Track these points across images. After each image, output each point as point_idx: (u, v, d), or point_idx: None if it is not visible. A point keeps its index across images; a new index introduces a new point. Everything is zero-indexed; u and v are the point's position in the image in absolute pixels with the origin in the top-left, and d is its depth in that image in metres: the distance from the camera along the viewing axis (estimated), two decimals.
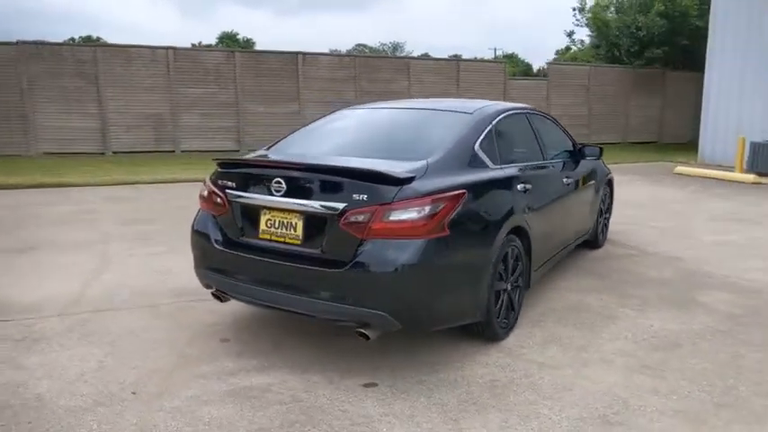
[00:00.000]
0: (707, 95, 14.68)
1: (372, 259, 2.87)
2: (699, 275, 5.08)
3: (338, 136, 3.94)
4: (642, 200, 9.27)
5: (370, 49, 43.78)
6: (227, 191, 3.36)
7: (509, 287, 3.59)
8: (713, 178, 11.99)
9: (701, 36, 19.27)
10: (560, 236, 4.61)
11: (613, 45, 20.96)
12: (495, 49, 36.33)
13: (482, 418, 2.75)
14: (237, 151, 15.44)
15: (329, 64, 17.02)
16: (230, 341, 3.61)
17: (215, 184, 3.46)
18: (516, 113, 4.35)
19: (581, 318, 4.05)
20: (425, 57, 18.43)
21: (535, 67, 43.91)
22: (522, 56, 52.40)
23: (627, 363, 3.35)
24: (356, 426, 2.67)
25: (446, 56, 16.83)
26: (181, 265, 5.08)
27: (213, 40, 48.56)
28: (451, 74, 18.11)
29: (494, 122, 3.84)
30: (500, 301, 3.50)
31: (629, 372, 3.24)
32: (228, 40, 47.58)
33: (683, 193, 10.15)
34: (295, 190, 3.07)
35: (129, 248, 5.91)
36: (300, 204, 3.06)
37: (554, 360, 3.39)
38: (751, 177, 11.37)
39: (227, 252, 3.34)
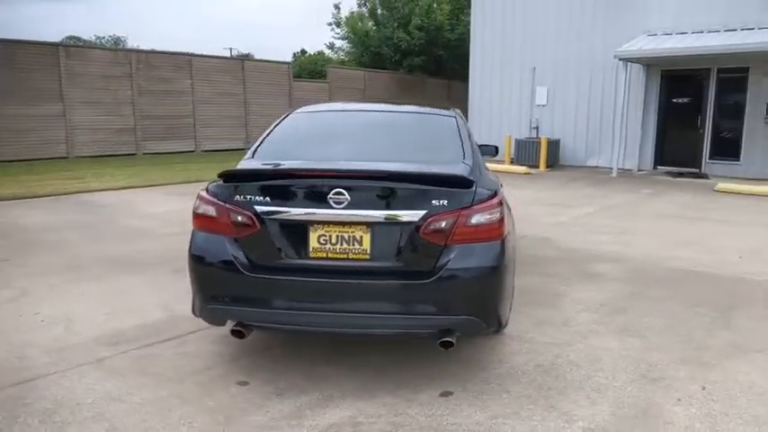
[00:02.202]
0: (472, 102, 16.99)
1: (460, 265, 2.82)
2: (575, 252, 6.05)
3: (337, 141, 3.63)
4: None
5: (84, 41, 38.89)
6: (257, 207, 2.88)
7: None
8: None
9: (452, 47, 22.25)
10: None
11: (375, 54, 22.73)
12: (231, 49, 35.80)
13: (567, 398, 2.96)
14: None
15: (101, 59, 14.83)
16: (249, 383, 3.11)
17: (230, 199, 2.93)
18: None
19: (539, 298, 4.53)
20: (209, 55, 17.32)
21: None
22: (257, 56, 52.57)
23: (608, 329, 3.91)
24: None
25: (182, 50, 15.99)
26: (66, 308, 4.20)
27: None
28: (237, 73, 17.46)
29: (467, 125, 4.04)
30: None
31: (617, 336, 3.79)
32: None
33: None
34: (360, 200, 2.82)
35: None
36: (369, 216, 2.82)
37: (558, 337, 3.76)
38: (522, 169, 13.65)
39: (263, 279, 2.87)
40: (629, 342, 3.70)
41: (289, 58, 30.20)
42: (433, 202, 2.82)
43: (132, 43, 39.55)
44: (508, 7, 15.62)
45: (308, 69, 27.04)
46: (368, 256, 2.85)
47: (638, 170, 13.41)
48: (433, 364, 3.33)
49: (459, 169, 3.07)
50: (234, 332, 2.98)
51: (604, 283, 4.99)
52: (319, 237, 2.87)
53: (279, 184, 2.92)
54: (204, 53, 17.17)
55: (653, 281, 5.05)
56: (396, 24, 21.95)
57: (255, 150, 3.51)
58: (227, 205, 2.93)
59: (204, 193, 3.08)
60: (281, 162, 3.18)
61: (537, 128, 15.20)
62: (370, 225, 2.84)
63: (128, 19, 76.82)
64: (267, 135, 3.69)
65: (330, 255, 2.86)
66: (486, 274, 2.87)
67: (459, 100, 25.60)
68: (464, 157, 3.33)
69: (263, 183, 2.92)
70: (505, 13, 15.72)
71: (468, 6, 22.87)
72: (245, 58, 18.11)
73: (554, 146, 14.54)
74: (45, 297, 4.48)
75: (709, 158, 12.65)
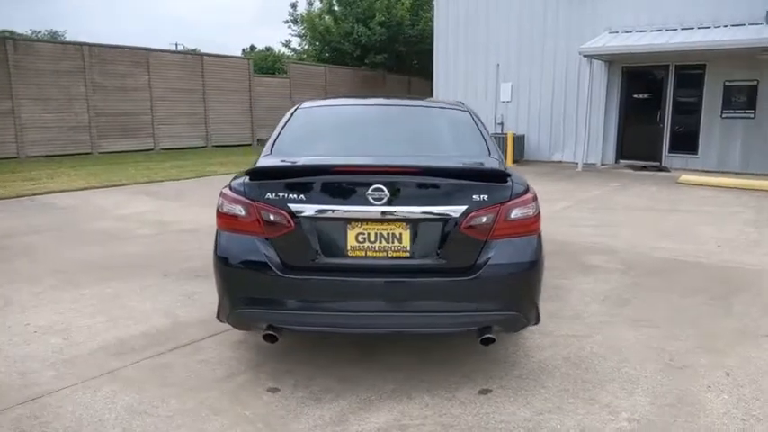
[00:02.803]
0: (436, 98, 17.08)
1: (502, 260, 2.79)
2: (566, 245, 6.14)
3: (359, 136, 3.50)
4: None
5: (20, 35, 36.86)
6: (291, 205, 2.76)
7: None
8: None
9: (412, 43, 22.29)
10: None
11: (336, 50, 22.52)
12: (177, 44, 34.71)
13: (604, 389, 2.98)
14: None
15: (51, 53, 14.06)
16: (280, 389, 2.98)
17: (261, 198, 2.79)
18: None
19: (544, 291, 4.54)
20: (168, 50, 16.71)
21: None
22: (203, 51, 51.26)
23: (619, 320, 3.97)
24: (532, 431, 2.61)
25: (130, 45, 15.40)
26: (58, 317, 4.00)
27: None
28: (196, 68, 16.92)
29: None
30: None
31: (631, 326, 3.85)
32: None
33: None
34: (400, 197, 2.73)
35: None
36: (410, 212, 2.74)
37: (574, 330, 3.79)
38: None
39: (298, 279, 2.75)
40: (644, 332, 3.76)
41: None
42: (474, 197, 2.77)
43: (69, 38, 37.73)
44: (471, 3, 15.75)
45: (258, 66, 26.54)
46: (408, 254, 2.78)
47: (602, 164, 13.80)
48: (462, 362, 3.28)
49: (494, 164, 3.04)
50: (266, 337, 2.84)
51: (601, 274, 5.07)
52: (357, 235, 2.77)
53: (314, 180, 2.79)
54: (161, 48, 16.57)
55: (647, 271, 5.17)
56: (355, 20, 21.78)
57: (273, 146, 3.35)
58: (259, 204, 2.79)
59: (229, 192, 2.92)
60: (308, 158, 3.05)
61: (502, 124, 15.42)
62: (409, 222, 2.76)
63: (65, 14, 73.35)
64: (281, 131, 3.53)
65: (369, 253, 2.77)
66: (527, 268, 2.84)
67: (419, 96, 25.82)
68: (490, 153, 3.29)
69: (297, 180, 2.80)
70: (469, 9, 15.84)
71: (429, 2, 22.99)
72: (204, 53, 17.47)
73: (519, 141, 14.77)
74: (31, 306, 4.18)
75: (669, 152, 13.13)
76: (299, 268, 2.78)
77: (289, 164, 2.97)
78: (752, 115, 12.01)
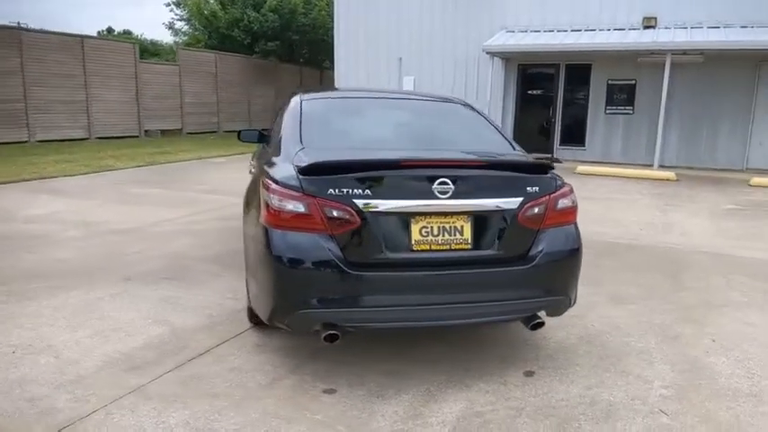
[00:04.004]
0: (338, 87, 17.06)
1: (554, 248, 2.94)
2: None
3: (387, 130, 3.46)
4: None
5: None
6: (357, 200, 2.68)
7: None
8: None
9: (305, 32, 21.94)
10: None
11: (225, 37, 21.54)
12: (19, 23, 31.26)
13: (627, 362, 3.27)
14: None
15: None
16: (336, 390, 2.90)
17: (323, 193, 2.68)
18: None
19: None
20: (44, 30, 14.84)
21: None
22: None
23: (601, 299, 4.34)
24: (592, 406, 2.80)
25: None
26: (32, 334, 3.56)
27: None
28: (77, 52, 15.27)
29: None
30: None
31: (614, 305, 4.23)
32: None
33: None
34: (462, 190, 2.77)
35: None
36: (472, 205, 2.79)
37: (571, 310, 4.06)
38: None
39: (365, 276, 2.70)
40: (628, 308, 4.15)
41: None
42: (528, 188, 2.90)
43: None
44: None
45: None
46: (469, 246, 2.83)
47: None
48: (489, 348, 3.42)
49: (531, 157, 3.18)
50: (328, 337, 2.74)
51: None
52: (421, 228, 2.77)
53: (379, 175, 2.74)
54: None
55: (597, 253, 5.65)
56: (244, 5, 20.95)
57: (301, 139, 3.21)
58: (320, 200, 2.68)
59: (280, 187, 2.76)
60: (363, 152, 3.00)
61: None
62: (471, 214, 2.82)
63: None
64: (301, 124, 3.38)
65: (433, 246, 2.78)
66: (572, 255, 3.03)
67: (311, 86, 25.51)
68: (513, 147, 3.43)
69: (362, 174, 2.72)
70: (369, 2, 15.95)
71: None
72: (85, 35, 15.78)
73: None
74: None
75: (560, 145, 14.33)
76: (364, 265, 2.72)
77: (353, 158, 2.87)
78: (631, 111, 13.48)
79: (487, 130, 3.65)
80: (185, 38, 25.71)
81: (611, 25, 13.14)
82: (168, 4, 23.01)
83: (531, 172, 2.97)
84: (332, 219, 2.69)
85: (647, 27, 12.77)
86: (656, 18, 12.71)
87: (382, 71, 16.16)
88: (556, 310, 3.09)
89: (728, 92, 12.49)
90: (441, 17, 15.06)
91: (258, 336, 3.50)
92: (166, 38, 26.09)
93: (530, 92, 14.57)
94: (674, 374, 3.15)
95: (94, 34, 30.84)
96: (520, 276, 2.88)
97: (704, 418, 2.73)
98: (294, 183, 2.75)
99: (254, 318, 3.47)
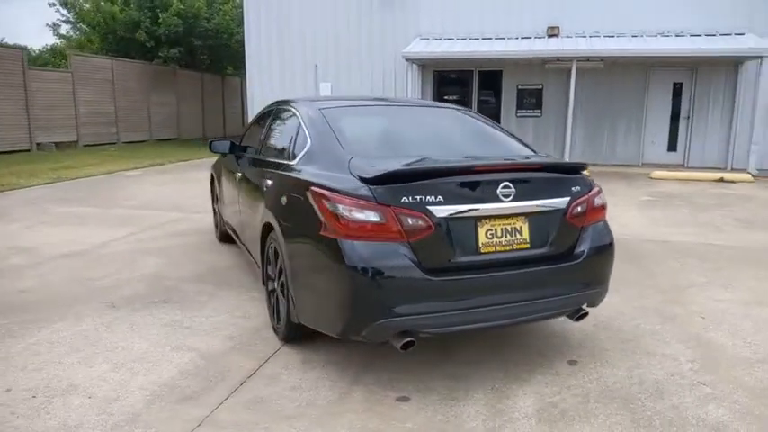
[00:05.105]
0: (252, 98, 16.51)
1: (596, 243, 3.17)
2: None
3: (420, 138, 3.54)
4: None
5: None
6: (430, 207, 2.72)
7: None
8: None
9: (208, 37, 21.13)
10: None
11: (124, 40, 20.19)
12: None
13: (645, 343, 3.58)
14: None
15: None
16: (409, 397, 2.91)
17: (397, 202, 2.70)
18: None
19: None
20: None
21: None
22: None
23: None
24: (642, 385, 3.05)
25: None
26: (44, 375, 3.31)
27: None
28: None
29: None
30: None
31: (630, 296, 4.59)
32: None
33: None
34: (521, 192, 2.91)
35: None
36: (530, 206, 2.94)
37: None
38: None
39: (444, 281, 2.75)
40: (622, 294, 4.50)
41: None
42: (572, 188, 3.10)
43: None
44: (284, 3, 15.67)
45: None
46: (528, 245, 2.97)
47: None
48: (527, 343, 3.60)
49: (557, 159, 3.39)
50: (405, 345, 2.76)
51: None
52: (487, 231, 2.87)
53: (449, 181, 2.80)
54: None
55: None
56: (145, 8, 19.75)
57: (350, 155, 3.17)
58: (396, 209, 2.69)
59: (352, 199, 2.73)
60: (423, 161, 3.07)
61: None
62: (528, 215, 2.96)
63: None
64: (335, 133, 3.35)
65: (498, 248, 2.90)
66: (609, 248, 3.28)
67: (212, 93, 24.57)
68: (531, 149, 3.64)
69: (433, 181, 2.77)
70: (281, 8, 15.73)
71: None
72: None
73: None
74: None
75: None
76: (438, 270, 2.77)
77: (425, 167, 2.90)
78: (539, 114, 14.46)
79: (507, 136, 3.85)
80: (63, 41, 23.68)
81: (519, 34, 14.03)
82: (53, 4, 21.05)
83: (572, 173, 3.18)
84: (408, 226, 2.71)
85: (551, 36, 13.78)
86: (558, 27, 13.75)
87: (297, 78, 15.99)
88: (595, 301, 3.32)
89: (625, 95, 13.83)
90: (357, 24, 15.21)
91: (298, 352, 3.40)
92: (32, 40, 23.78)
93: (446, 97, 15.12)
94: (691, 350, 3.50)
95: None
96: (570, 271, 3.08)
97: (736, 384, 3.08)
98: (365, 192, 2.74)
99: (292, 333, 3.37)
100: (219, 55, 23.00)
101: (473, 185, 2.86)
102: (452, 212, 2.78)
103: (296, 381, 3.07)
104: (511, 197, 2.88)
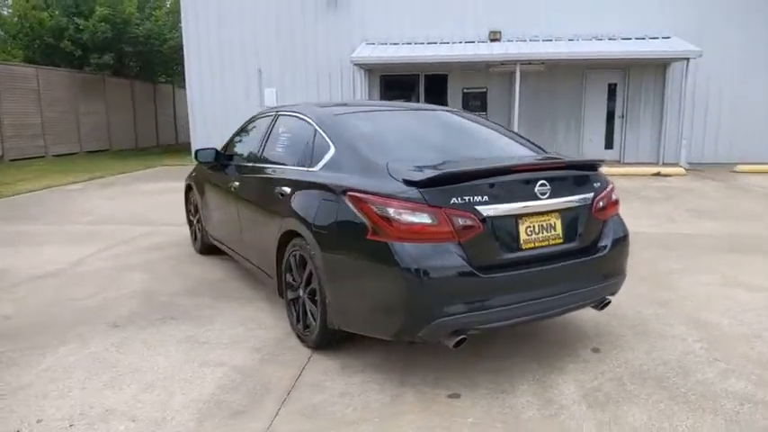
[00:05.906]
0: (192, 105, 16.00)
1: (616, 235, 3.37)
2: None
3: (442, 141, 3.63)
4: None
5: None
6: (478, 207, 2.81)
7: None
8: None
9: (139, 43, 20.27)
10: None
11: (50, 47, 18.99)
12: None
13: (654, 328, 3.84)
14: None
15: None
16: (459, 394, 2.98)
17: (447, 203, 2.77)
18: None
19: None
20: None
21: None
22: None
23: None
24: (666, 365, 3.28)
25: None
26: (77, 401, 3.20)
27: None
28: None
29: None
30: None
31: None
32: None
33: None
34: (555, 189, 3.06)
35: None
36: (562, 202, 3.10)
37: None
38: None
39: (494, 278, 2.85)
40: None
41: None
42: (594, 184, 3.29)
43: None
44: (225, 6, 15.32)
45: None
46: (561, 240, 3.13)
47: None
48: (546, 334, 3.76)
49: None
50: (458, 343, 2.84)
51: None
52: (527, 228, 3.00)
53: (492, 181, 2.91)
54: None
55: None
56: (67, 12, 18.68)
57: (383, 160, 3.20)
58: (446, 210, 2.76)
59: (401, 201, 2.77)
60: (463, 163, 3.17)
61: None
62: (559, 211, 3.12)
63: None
64: (357, 138, 3.39)
65: (537, 244, 3.03)
66: (626, 239, 3.50)
67: (144, 101, 23.56)
68: (539, 146, 3.81)
69: (479, 182, 2.87)
70: (221, 12, 15.38)
71: None
72: None
73: None
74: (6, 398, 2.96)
75: None
76: (487, 267, 2.86)
77: (472, 168, 2.98)
78: (485, 116, 14.91)
79: (513, 136, 4.00)
80: None
81: (462, 38, 14.43)
82: None
83: (591, 170, 3.36)
84: (459, 226, 2.78)
85: (493, 40, 14.27)
86: (500, 32, 14.27)
87: (239, 83, 15.67)
88: (616, 291, 3.52)
89: (564, 96, 14.53)
90: (301, 28, 15.11)
91: (333, 359, 3.39)
92: None
93: (393, 100, 15.31)
94: (695, 331, 3.78)
95: None
96: (597, 263, 3.26)
97: (744, 357, 3.37)
98: (414, 195, 2.79)
99: (326, 340, 3.36)
100: (151, 61, 22.09)
101: (514, 185, 2.99)
102: (498, 211, 2.89)
103: (342, 387, 3.06)
104: (547, 194, 3.03)
